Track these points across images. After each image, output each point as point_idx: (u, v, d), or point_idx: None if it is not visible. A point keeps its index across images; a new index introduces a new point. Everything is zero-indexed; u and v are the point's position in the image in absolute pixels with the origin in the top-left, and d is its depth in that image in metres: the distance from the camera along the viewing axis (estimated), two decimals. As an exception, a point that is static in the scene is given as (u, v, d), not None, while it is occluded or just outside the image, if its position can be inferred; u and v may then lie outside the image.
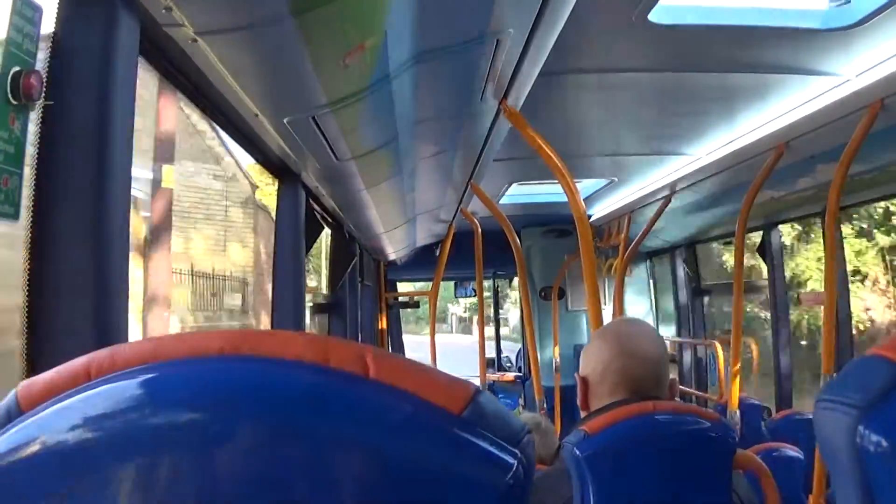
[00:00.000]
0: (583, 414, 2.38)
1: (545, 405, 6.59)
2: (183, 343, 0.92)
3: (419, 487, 0.89)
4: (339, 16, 1.93)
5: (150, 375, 0.89)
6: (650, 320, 10.06)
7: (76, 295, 1.54)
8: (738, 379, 5.70)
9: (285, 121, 2.63)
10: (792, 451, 4.29)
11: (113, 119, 1.63)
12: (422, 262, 9.34)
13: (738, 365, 5.70)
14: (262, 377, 0.89)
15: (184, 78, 2.25)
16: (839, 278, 5.49)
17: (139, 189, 15.21)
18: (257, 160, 3.32)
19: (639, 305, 10.03)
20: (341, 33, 2.05)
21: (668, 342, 9.26)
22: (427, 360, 7.21)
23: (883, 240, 16.80)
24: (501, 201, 7.42)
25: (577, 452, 2.09)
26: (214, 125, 2.72)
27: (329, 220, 5.03)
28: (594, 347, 2.41)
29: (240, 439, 0.87)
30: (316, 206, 4.29)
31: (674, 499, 2.14)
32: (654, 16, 3.07)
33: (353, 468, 0.88)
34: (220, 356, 0.90)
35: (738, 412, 5.62)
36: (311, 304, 5.77)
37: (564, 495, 2.13)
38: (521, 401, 10.11)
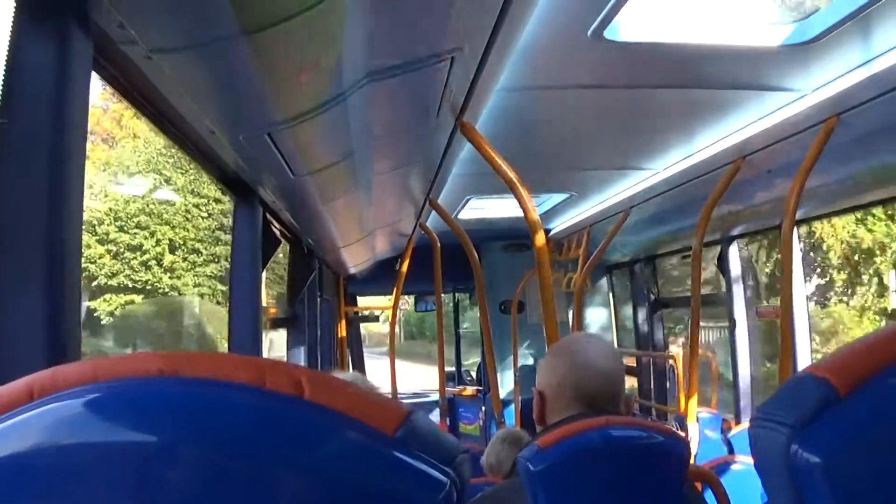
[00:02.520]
0: (539, 429, 2.38)
1: (503, 419, 6.59)
2: (123, 364, 0.93)
3: None
4: (292, 34, 1.94)
5: (91, 396, 0.91)
6: (611, 334, 10.10)
7: (29, 312, 1.54)
8: (695, 392, 5.73)
9: (241, 137, 2.63)
10: (750, 464, 4.31)
11: (66, 135, 1.62)
12: (382, 276, 9.32)
13: (696, 377, 5.73)
14: (200, 399, 0.91)
15: (138, 94, 2.25)
16: (797, 290, 5.53)
17: None
18: (213, 176, 3.31)
19: (600, 319, 10.05)
20: (295, 51, 2.06)
21: (627, 355, 9.31)
22: None
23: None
24: (461, 215, 7.43)
25: (531, 467, 2.10)
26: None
27: (287, 234, 5.02)
28: (549, 362, 2.42)
29: (180, 459, 0.89)
30: (274, 222, 4.29)
31: None
32: (610, 33, 3.08)
33: (289, 488, 0.90)
34: (159, 378, 0.91)
35: (695, 425, 5.64)
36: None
37: None
38: (480, 414, 10.11)
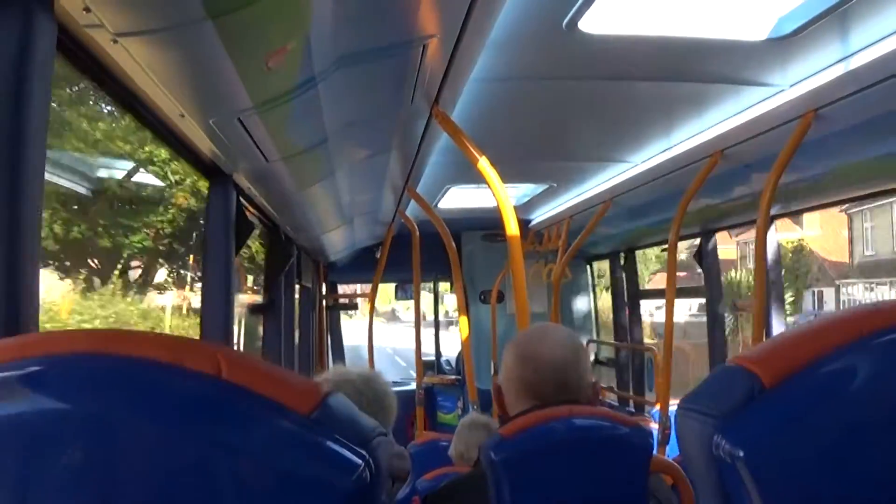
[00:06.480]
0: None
1: (479, 407, 6.60)
2: (48, 342, 0.94)
3: (267, 484, 0.92)
4: (258, 18, 1.93)
5: (15, 373, 0.92)
6: (591, 325, 10.12)
7: None
8: (669, 382, 5.74)
9: (211, 122, 2.62)
10: None
11: (27, 119, 1.61)
12: (363, 264, 9.31)
13: (669, 369, 5.75)
14: (121, 376, 0.93)
15: (106, 78, 2.23)
16: (773, 283, 5.54)
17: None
18: (187, 161, 3.29)
19: (582, 310, 10.06)
20: (262, 36, 2.06)
21: (604, 347, 9.31)
22: None
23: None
24: (442, 205, 7.44)
25: (493, 455, 2.09)
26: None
27: (265, 220, 5.00)
28: (504, 356, 2.42)
29: (100, 435, 0.91)
30: (250, 207, 4.27)
31: (590, 501, 2.15)
32: (585, 25, 3.07)
33: (204, 465, 0.92)
34: (82, 355, 0.93)
35: (669, 416, 5.65)
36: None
37: (482, 499, 2.13)
38: (459, 403, 10.10)
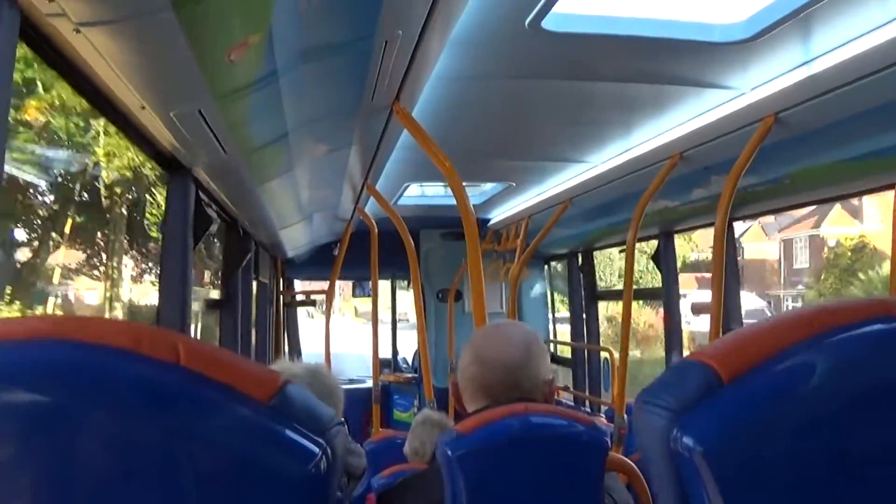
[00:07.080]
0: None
1: (435, 406, 6.59)
2: (4, 327, 0.94)
3: (224, 469, 0.92)
4: (221, 11, 1.93)
5: None
6: (548, 324, 10.13)
7: None
8: (625, 383, 5.76)
9: (172, 114, 2.61)
10: None
11: None
12: (321, 260, 9.27)
13: (625, 369, 5.76)
14: (80, 361, 0.93)
15: (68, 68, 2.22)
16: (731, 284, 5.57)
17: None
18: (146, 153, 3.27)
19: (538, 310, 10.06)
20: (224, 29, 2.05)
21: (560, 346, 9.31)
22: None
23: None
24: (401, 202, 7.43)
25: (449, 452, 2.09)
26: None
27: (223, 214, 4.98)
28: (461, 354, 2.43)
29: (60, 417, 0.92)
30: (208, 201, 4.25)
31: (545, 499, 2.15)
32: (548, 23, 3.07)
33: (162, 449, 0.92)
34: (39, 340, 0.93)
35: (624, 416, 5.66)
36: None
37: (436, 496, 2.13)
38: (415, 401, 10.08)
